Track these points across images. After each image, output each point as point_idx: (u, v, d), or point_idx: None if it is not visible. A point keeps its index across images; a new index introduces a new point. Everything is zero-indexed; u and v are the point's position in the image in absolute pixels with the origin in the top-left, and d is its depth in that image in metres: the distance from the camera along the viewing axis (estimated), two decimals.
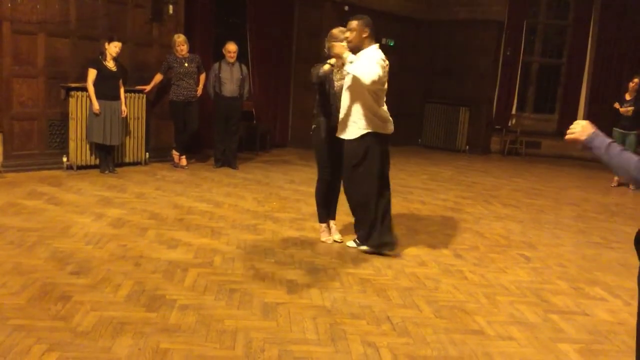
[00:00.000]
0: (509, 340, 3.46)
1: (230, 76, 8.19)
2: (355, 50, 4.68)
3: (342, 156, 5.23)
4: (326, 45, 4.94)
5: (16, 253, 4.39)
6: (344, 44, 4.67)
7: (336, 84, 4.93)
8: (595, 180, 9.85)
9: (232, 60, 8.17)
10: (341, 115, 4.86)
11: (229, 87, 8.20)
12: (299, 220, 5.91)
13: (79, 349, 3.00)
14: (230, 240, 5.09)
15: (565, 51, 12.82)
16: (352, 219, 5.15)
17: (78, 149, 7.55)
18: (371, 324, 3.54)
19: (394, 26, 11.57)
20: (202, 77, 8.31)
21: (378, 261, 4.75)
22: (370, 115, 4.76)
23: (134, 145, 8.16)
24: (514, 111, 12.96)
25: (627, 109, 9.20)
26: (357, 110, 4.76)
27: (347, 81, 4.79)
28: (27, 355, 2.90)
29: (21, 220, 5.23)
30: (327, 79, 4.91)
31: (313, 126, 5.03)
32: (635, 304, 4.23)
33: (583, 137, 2.31)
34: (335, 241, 5.19)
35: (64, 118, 7.53)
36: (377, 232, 4.89)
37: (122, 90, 7.61)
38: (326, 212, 5.24)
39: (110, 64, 7.41)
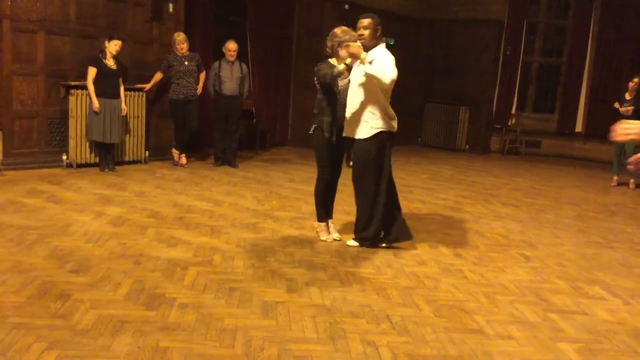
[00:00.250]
0: (508, 339, 3.46)
1: (230, 75, 8.18)
2: (366, 49, 4.68)
3: (342, 156, 5.25)
4: (328, 45, 4.93)
5: (16, 251, 4.39)
6: (358, 43, 4.68)
7: (340, 83, 4.93)
8: (595, 180, 9.85)
9: (232, 59, 8.17)
10: (350, 114, 4.86)
11: (229, 86, 8.19)
12: (299, 219, 5.91)
13: (79, 347, 3.00)
14: (230, 238, 5.09)
15: (565, 51, 12.82)
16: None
17: (78, 147, 7.55)
18: (371, 323, 3.54)
19: (394, 25, 11.52)
20: (202, 75, 8.31)
21: (378, 260, 4.76)
22: (382, 113, 4.80)
23: (134, 144, 8.16)
24: (514, 110, 12.97)
25: (627, 109, 9.19)
26: (370, 109, 4.79)
27: (359, 80, 4.78)
28: (27, 353, 2.90)
29: (21, 218, 5.23)
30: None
31: (314, 126, 5.02)
32: (635, 303, 4.24)
33: None
34: (334, 240, 5.19)
35: (64, 116, 7.52)
36: (393, 227, 5.06)
37: (122, 88, 7.60)
38: (325, 211, 5.25)
39: (110, 62, 7.40)
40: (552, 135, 12.90)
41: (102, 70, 7.32)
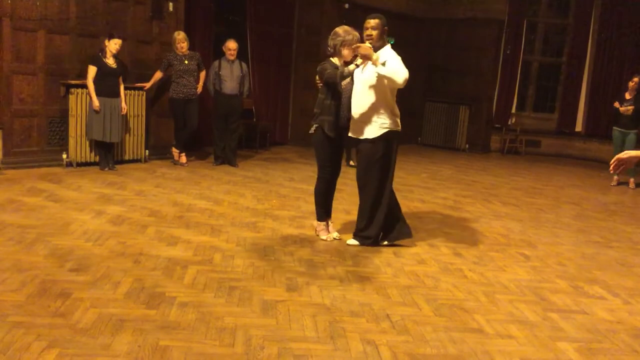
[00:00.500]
0: (508, 338, 3.47)
1: (230, 74, 8.18)
2: (374, 50, 4.69)
3: (342, 155, 5.26)
4: (330, 44, 4.92)
5: (16, 250, 4.39)
6: (368, 44, 4.69)
7: (342, 83, 4.93)
8: (595, 179, 9.85)
9: (232, 58, 8.17)
10: (358, 115, 4.87)
11: (229, 85, 8.19)
12: (299, 218, 5.91)
13: (79, 345, 3.00)
14: (229, 237, 5.09)
15: (566, 50, 12.81)
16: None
17: (78, 146, 7.55)
18: (370, 322, 3.54)
19: (394, 24, 11.44)
20: (202, 74, 8.31)
21: (378, 259, 4.76)
22: (390, 113, 4.85)
23: (134, 143, 8.16)
24: (514, 110, 12.96)
25: (627, 108, 9.20)
26: (378, 109, 4.81)
27: (368, 81, 4.79)
28: (27, 352, 2.90)
29: (21, 217, 5.23)
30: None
31: (314, 125, 5.01)
32: (635, 302, 4.25)
33: None
34: (334, 239, 5.19)
35: (64, 115, 7.52)
36: (396, 225, 5.09)
37: (122, 87, 7.60)
38: (325, 210, 5.25)
39: (111, 61, 7.40)
40: (552, 134, 12.90)
41: (102, 69, 7.32)
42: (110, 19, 7.83)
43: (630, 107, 9.16)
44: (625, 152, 3.10)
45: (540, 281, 4.54)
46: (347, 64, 4.97)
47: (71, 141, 7.52)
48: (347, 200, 6.58)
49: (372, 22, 4.82)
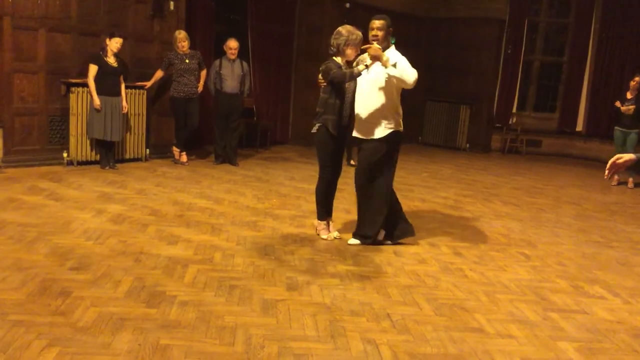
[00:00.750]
0: (508, 338, 3.47)
1: (231, 73, 8.18)
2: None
3: (343, 155, 5.27)
4: (333, 43, 4.92)
5: (16, 248, 4.40)
6: (375, 44, 4.70)
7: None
8: (595, 179, 9.84)
9: (233, 57, 8.17)
10: (364, 115, 4.89)
11: (230, 84, 8.19)
12: (299, 217, 5.91)
13: (79, 344, 3.00)
14: (230, 236, 5.09)
15: (567, 49, 12.80)
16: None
17: (78, 144, 7.55)
18: (371, 321, 3.55)
19: (394, 23, 11.43)
20: (203, 73, 8.30)
21: (378, 258, 4.76)
22: (395, 113, 4.89)
23: (135, 142, 8.16)
24: (514, 109, 12.94)
25: (628, 108, 9.18)
26: (384, 110, 4.84)
27: (375, 81, 4.81)
28: (27, 350, 2.90)
29: (21, 216, 5.23)
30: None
31: (317, 124, 5.00)
32: (635, 302, 4.25)
33: None
34: (335, 238, 5.20)
35: (65, 114, 7.52)
36: (398, 225, 5.12)
37: (123, 86, 7.60)
38: (326, 209, 5.25)
39: (111, 60, 7.40)
40: (552, 134, 12.89)
41: (103, 67, 7.32)
42: (111, 18, 7.83)
43: (632, 107, 9.14)
44: (619, 156, 3.10)
45: (540, 281, 4.54)
46: (348, 63, 4.98)
47: (72, 140, 7.52)
48: (347, 199, 6.58)
49: (378, 22, 4.83)
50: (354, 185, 5.16)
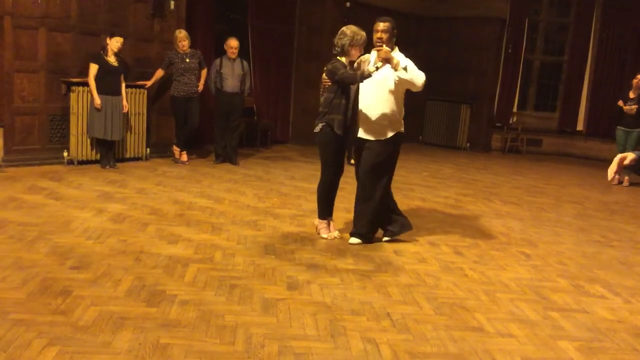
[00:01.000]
0: (508, 337, 3.47)
1: (232, 72, 8.18)
2: None
3: (344, 154, 5.28)
4: (338, 44, 4.91)
5: (17, 248, 4.40)
6: (384, 47, 4.72)
7: None
8: (595, 178, 9.83)
9: (233, 56, 8.17)
10: (370, 116, 4.91)
11: (230, 83, 8.19)
12: (300, 216, 5.91)
13: (79, 343, 3.00)
14: (230, 236, 5.09)
15: (567, 49, 12.79)
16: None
17: (79, 144, 7.55)
18: (371, 320, 3.55)
19: (395, 22, 11.54)
20: (204, 72, 8.30)
21: (378, 257, 4.76)
22: (399, 115, 4.94)
23: (135, 141, 8.16)
24: (515, 109, 12.94)
25: (631, 107, 9.15)
26: (390, 112, 4.87)
27: (382, 83, 4.82)
28: (27, 349, 2.91)
29: (22, 215, 5.23)
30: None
31: (321, 124, 4.99)
32: (635, 301, 4.24)
33: None
34: (335, 237, 5.20)
35: (65, 113, 7.52)
36: (397, 222, 5.17)
37: (123, 85, 7.60)
38: (327, 209, 5.25)
39: (112, 59, 7.40)
40: (553, 133, 12.88)
41: (104, 67, 7.32)
42: (111, 17, 7.82)
43: (634, 106, 9.11)
44: (623, 156, 3.08)
45: (541, 280, 4.54)
46: (351, 63, 4.98)
47: (72, 139, 7.52)
48: (348, 199, 6.56)
49: (383, 25, 4.84)
50: (354, 184, 5.16)
